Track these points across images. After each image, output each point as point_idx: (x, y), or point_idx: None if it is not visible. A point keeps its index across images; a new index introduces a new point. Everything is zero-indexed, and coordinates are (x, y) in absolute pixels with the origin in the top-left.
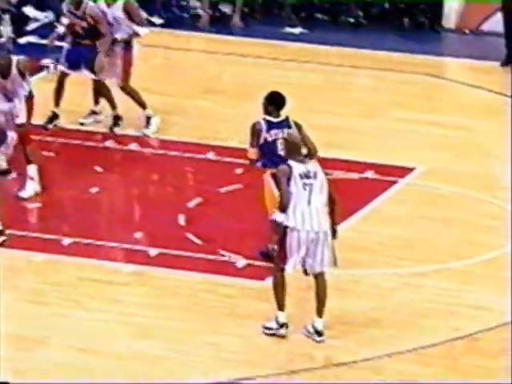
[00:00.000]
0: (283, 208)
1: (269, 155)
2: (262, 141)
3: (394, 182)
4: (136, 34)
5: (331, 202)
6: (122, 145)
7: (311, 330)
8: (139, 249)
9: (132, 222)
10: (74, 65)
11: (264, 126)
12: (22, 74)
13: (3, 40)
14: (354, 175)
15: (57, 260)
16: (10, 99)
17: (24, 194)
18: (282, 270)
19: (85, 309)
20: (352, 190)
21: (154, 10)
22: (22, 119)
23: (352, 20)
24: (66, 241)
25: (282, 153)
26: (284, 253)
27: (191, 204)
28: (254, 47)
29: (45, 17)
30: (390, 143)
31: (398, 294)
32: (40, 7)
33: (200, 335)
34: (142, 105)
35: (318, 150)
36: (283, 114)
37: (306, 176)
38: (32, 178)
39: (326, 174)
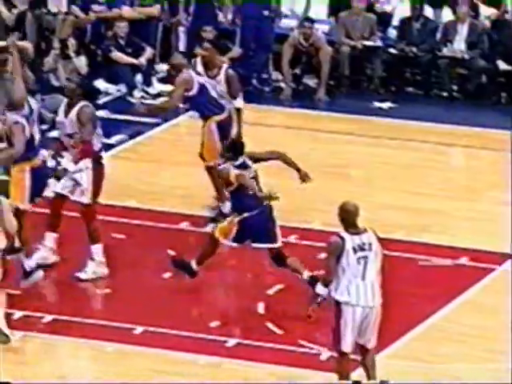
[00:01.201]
0: (326, 283)
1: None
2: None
3: (491, 270)
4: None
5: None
6: (197, 227)
7: None
8: (216, 339)
9: (208, 309)
10: None
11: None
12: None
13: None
14: (448, 261)
15: (128, 350)
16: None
17: (83, 275)
18: (344, 354)
19: None
20: (445, 277)
21: None
22: (87, 199)
23: (445, 94)
24: (138, 329)
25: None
26: (339, 331)
27: (271, 291)
28: (340, 123)
29: (117, 90)
30: (487, 227)
31: None
32: (112, 80)
33: None
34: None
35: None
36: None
37: (361, 248)
38: (93, 259)
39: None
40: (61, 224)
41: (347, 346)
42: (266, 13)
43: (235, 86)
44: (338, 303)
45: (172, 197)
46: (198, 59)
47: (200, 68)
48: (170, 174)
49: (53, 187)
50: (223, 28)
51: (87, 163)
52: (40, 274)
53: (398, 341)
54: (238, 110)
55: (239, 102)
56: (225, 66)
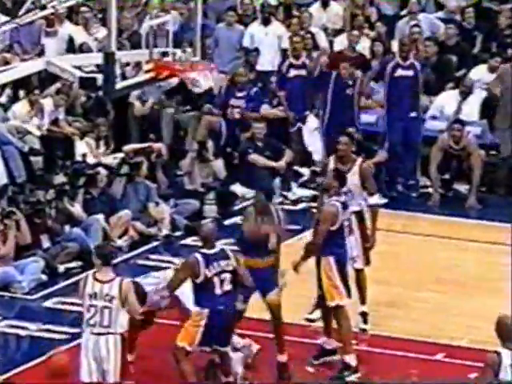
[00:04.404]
0: None
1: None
2: (201, 278)
3: None
4: (370, 206)
5: None
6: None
7: None
8: None
9: None
10: None
11: (201, 259)
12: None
13: (210, 219)
14: None
15: None
16: None
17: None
18: None
19: None
20: None
21: (378, 188)
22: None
23: None
24: None
25: (219, 291)
26: None
27: None
28: (492, 232)
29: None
30: None
31: None
32: (249, 184)
33: None
34: (364, 299)
35: None
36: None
37: None
38: None
39: None
40: None
41: None
42: (413, 114)
43: (371, 180)
44: None
45: None
46: (333, 157)
47: (332, 162)
48: None
49: None
50: (370, 130)
51: None
52: None
53: None
54: (373, 207)
55: (376, 199)
56: (359, 160)
